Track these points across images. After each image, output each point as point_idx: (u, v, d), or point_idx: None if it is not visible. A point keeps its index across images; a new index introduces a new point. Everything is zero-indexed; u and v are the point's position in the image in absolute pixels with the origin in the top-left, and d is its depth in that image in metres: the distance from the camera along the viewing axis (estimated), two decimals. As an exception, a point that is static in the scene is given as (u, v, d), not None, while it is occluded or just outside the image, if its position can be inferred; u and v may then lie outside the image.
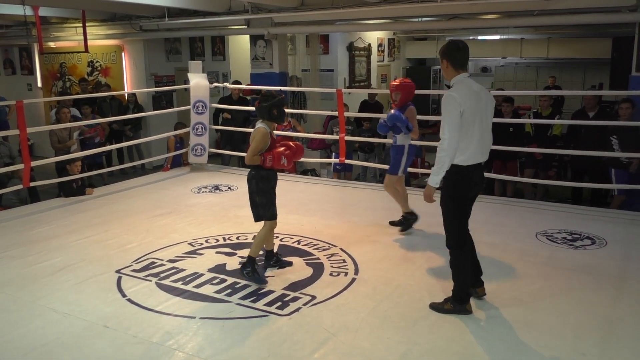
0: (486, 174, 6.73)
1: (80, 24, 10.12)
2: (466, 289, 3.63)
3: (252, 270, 4.18)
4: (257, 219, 4.31)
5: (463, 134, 3.41)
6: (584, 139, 6.93)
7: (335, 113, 7.85)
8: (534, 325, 3.52)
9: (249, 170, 4.31)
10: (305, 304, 3.81)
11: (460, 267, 3.62)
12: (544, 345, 3.29)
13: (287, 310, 3.72)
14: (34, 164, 6.40)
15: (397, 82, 5.31)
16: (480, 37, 15.38)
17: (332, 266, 4.49)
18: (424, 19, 9.22)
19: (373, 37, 13.76)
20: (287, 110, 8.40)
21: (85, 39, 10.03)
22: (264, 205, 4.24)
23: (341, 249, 4.86)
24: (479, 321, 3.58)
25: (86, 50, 10.32)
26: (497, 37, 14.59)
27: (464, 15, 8.45)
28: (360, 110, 9.84)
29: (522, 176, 7.42)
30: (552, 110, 7.60)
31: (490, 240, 5.05)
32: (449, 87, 3.61)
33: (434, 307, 3.69)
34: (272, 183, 4.30)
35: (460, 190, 3.54)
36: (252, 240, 4.38)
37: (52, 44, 12.10)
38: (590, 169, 7.02)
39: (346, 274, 4.33)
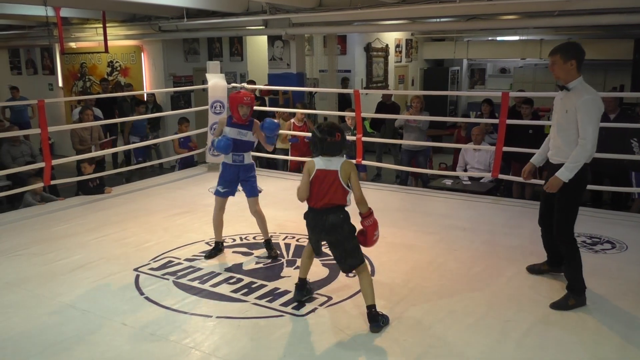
0: (504, 176, 6.71)
1: (101, 25, 10.26)
2: (582, 279, 3.75)
3: (382, 320, 3.50)
4: (348, 269, 3.65)
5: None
6: (604, 141, 6.80)
7: (350, 114, 7.84)
8: (553, 329, 3.47)
9: (336, 212, 3.58)
10: (321, 305, 3.81)
11: (576, 259, 3.75)
12: (563, 351, 3.25)
13: (303, 311, 3.72)
14: (54, 162, 6.49)
15: (251, 96, 4.70)
16: (499, 38, 15.26)
17: (348, 267, 4.48)
18: (442, 19, 9.18)
19: (391, 38, 13.73)
20: (303, 111, 8.52)
21: (106, 40, 10.16)
22: (353, 251, 3.57)
23: (357, 250, 4.84)
24: (494, 325, 3.54)
25: (106, 51, 10.46)
26: (516, 38, 14.46)
27: (482, 16, 8.40)
28: (376, 112, 9.83)
29: (541, 179, 7.33)
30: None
31: (509, 243, 5.00)
32: (563, 87, 3.66)
33: (558, 305, 3.71)
34: None
35: (583, 188, 3.80)
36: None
37: (73, 45, 12.29)
38: (610, 171, 6.92)
39: (362, 275, 4.32)
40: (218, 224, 4.81)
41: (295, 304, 3.82)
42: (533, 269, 4.26)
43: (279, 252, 4.81)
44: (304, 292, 3.87)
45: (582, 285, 3.76)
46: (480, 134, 7.35)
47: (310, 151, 8.68)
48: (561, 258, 3.94)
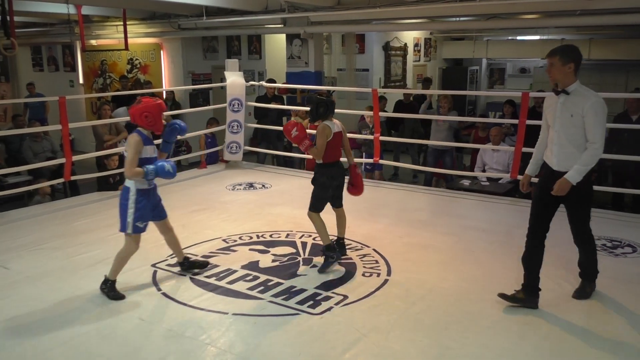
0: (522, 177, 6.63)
1: (121, 23, 10.35)
2: (597, 267, 3.91)
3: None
4: (341, 204, 4.73)
5: None
6: (626, 143, 6.73)
7: (369, 113, 7.83)
8: (571, 334, 3.44)
9: (340, 163, 4.63)
10: (337, 304, 3.81)
11: (594, 254, 3.89)
12: (581, 355, 3.21)
13: (318, 309, 3.73)
14: (74, 158, 6.57)
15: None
16: (519, 37, 15.09)
17: (364, 267, 4.48)
18: (461, 18, 9.11)
19: (409, 37, 13.66)
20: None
21: (126, 37, 10.25)
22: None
23: (374, 250, 4.85)
24: (513, 328, 3.52)
25: (126, 48, 10.56)
26: (536, 37, 14.29)
27: (502, 15, 8.33)
28: (395, 111, 9.79)
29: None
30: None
31: (526, 245, 4.94)
32: (560, 91, 3.59)
33: (579, 295, 3.90)
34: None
35: (590, 190, 3.78)
36: (285, 239, 4.40)
37: (93, 42, 12.42)
38: (632, 174, 6.81)
39: (378, 274, 4.32)
40: (126, 263, 4.05)
41: (311, 302, 3.83)
42: (505, 297, 3.79)
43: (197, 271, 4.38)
44: (334, 254, 4.44)
45: (596, 269, 3.94)
46: (499, 135, 7.28)
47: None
48: (537, 285, 3.80)
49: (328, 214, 4.61)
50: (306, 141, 4.39)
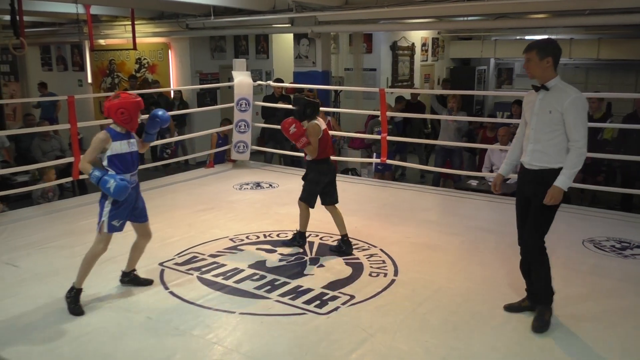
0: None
1: (129, 22, 10.40)
2: (552, 287, 3.58)
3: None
4: (336, 201, 4.89)
5: None
6: (635, 143, 6.69)
7: (377, 112, 7.82)
8: (578, 336, 3.41)
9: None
10: (343, 304, 3.81)
11: (547, 269, 3.54)
12: (588, 356, 3.20)
13: (325, 309, 3.73)
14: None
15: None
16: (527, 37, 15.00)
17: (371, 266, 4.48)
18: (469, 18, 9.08)
19: (417, 37, 13.63)
20: (326, 109, 8.53)
21: (134, 37, 10.30)
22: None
23: (381, 250, 4.84)
24: (520, 329, 3.50)
25: (134, 48, 10.61)
26: (545, 37, 14.21)
27: (511, 15, 8.29)
28: (402, 111, 9.77)
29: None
30: (603, 113, 7.36)
31: (534, 246, 4.92)
32: (540, 87, 3.41)
33: (539, 326, 3.44)
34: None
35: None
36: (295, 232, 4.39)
37: (102, 42, 12.48)
38: (641, 174, 6.77)
39: (385, 274, 4.31)
40: (92, 267, 3.89)
41: (317, 302, 3.83)
42: (512, 308, 3.72)
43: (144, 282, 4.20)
44: (302, 241, 4.86)
45: (552, 290, 3.55)
46: (507, 135, 7.25)
47: (334, 148, 8.70)
48: None
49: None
50: (303, 138, 4.55)
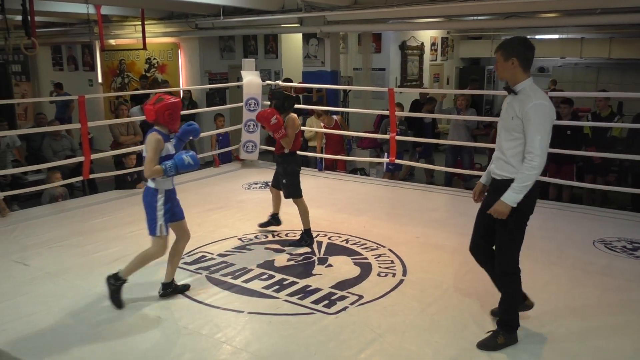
0: (541, 178, 6.56)
1: (139, 22, 10.45)
2: (517, 314, 3.31)
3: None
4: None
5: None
6: (647, 143, 6.62)
7: (387, 112, 7.79)
8: (589, 338, 3.39)
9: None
10: (352, 304, 3.81)
11: (515, 292, 3.29)
12: (599, 358, 3.17)
13: (334, 309, 3.73)
14: (93, 156, 6.64)
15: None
16: (537, 36, 14.93)
17: (380, 266, 4.47)
18: (479, 17, 9.03)
19: (426, 36, 13.59)
20: (335, 109, 8.53)
21: (144, 37, 10.35)
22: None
23: (389, 250, 4.83)
24: (530, 330, 3.47)
25: (144, 48, 10.65)
26: (555, 36, 14.13)
27: (521, 14, 8.24)
28: (411, 110, 9.74)
29: (583, 182, 7.12)
30: (611, 111, 7.31)
31: (545, 246, 4.90)
32: (511, 91, 3.16)
33: (485, 346, 3.25)
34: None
35: (530, 209, 3.20)
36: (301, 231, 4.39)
37: (112, 42, 12.55)
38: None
39: (394, 274, 4.30)
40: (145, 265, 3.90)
41: (326, 301, 3.83)
42: (494, 313, 3.56)
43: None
44: (310, 240, 4.96)
45: (516, 321, 3.29)
46: (517, 135, 7.21)
47: (343, 149, 8.71)
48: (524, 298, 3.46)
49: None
50: (282, 130, 4.75)
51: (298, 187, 4.99)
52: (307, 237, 4.97)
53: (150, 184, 3.75)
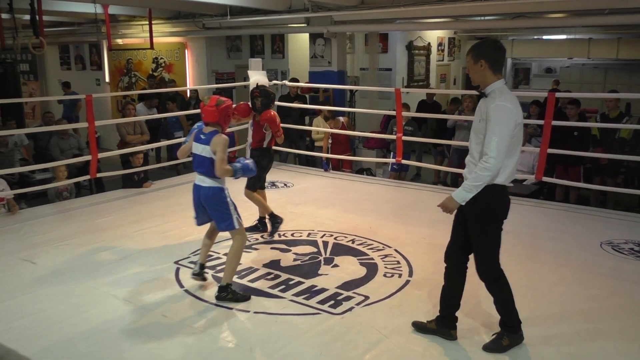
0: (548, 179, 6.54)
1: (147, 22, 10.49)
2: (516, 313, 3.26)
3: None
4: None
5: (510, 150, 3.02)
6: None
7: (394, 112, 7.78)
8: (596, 340, 3.37)
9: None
10: (358, 304, 3.80)
11: (507, 296, 3.25)
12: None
13: (339, 309, 3.72)
14: (100, 155, 6.67)
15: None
16: (545, 37, 14.89)
17: (386, 267, 4.46)
18: (486, 17, 9.00)
19: (433, 36, 13.55)
20: (341, 109, 8.52)
21: (151, 36, 10.39)
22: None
23: (395, 250, 4.82)
24: (536, 333, 3.46)
25: (151, 47, 10.69)
26: (563, 36, 14.06)
27: (529, 14, 8.21)
28: (417, 110, 9.73)
29: (591, 184, 7.07)
30: (620, 112, 7.26)
31: (552, 248, 4.88)
32: (481, 94, 3.13)
33: (491, 348, 3.24)
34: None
35: (503, 214, 3.15)
36: (307, 238, 4.40)
37: (119, 41, 12.60)
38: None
39: (400, 275, 4.29)
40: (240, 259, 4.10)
41: (332, 302, 3.82)
42: (418, 326, 3.49)
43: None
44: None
45: (517, 320, 3.26)
46: (524, 136, 7.19)
47: (349, 149, 8.71)
48: (453, 319, 3.39)
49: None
50: (280, 129, 5.13)
51: (259, 181, 5.13)
52: (276, 218, 5.23)
53: (214, 183, 3.88)
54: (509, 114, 2.97)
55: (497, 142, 2.95)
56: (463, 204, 3.10)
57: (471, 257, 3.29)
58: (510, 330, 3.26)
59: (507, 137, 2.97)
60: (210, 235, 4.20)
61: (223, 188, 3.92)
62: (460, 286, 3.35)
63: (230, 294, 3.85)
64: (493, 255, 3.18)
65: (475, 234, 3.17)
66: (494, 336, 3.30)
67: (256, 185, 5.18)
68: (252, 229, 5.25)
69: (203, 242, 4.19)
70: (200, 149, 3.87)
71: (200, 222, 4.11)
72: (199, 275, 4.12)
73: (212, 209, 3.91)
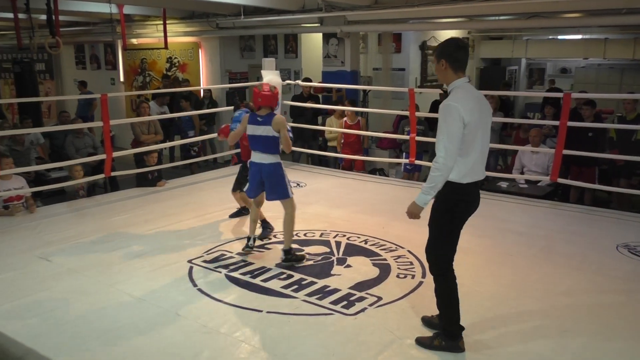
0: (564, 180, 6.47)
1: (161, 22, 10.54)
2: (456, 321, 3.21)
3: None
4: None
5: (463, 148, 3.01)
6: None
7: (406, 113, 7.76)
8: (612, 344, 3.33)
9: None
10: (371, 305, 3.79)
11: (446, 296, 3.23)
12: (623, 364, 3.13)
13: (352, 310, 3.72)
14: (115, 154, 6.72)
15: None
16: (560, 37, 14.73)
17: (399, 268, 4.45)
18: (501, 17, 8.94)
19: (447, 36, 13.47)
20: (354, 109, 8.51)
21: (165, 36, 10.43)
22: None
23: (409, 251, 4.80)
24: (551, 335, 3.43)
25: (166, 47, 10.73)
26: (578, 36, 13.91)
27: (544, 14, 8.13)
28: (430, 111, 9.68)
29: (608, 185, 6.97)
30: (637, 113, 7.17)
31: (567, 250, 4.83)
32: (445, 92, 3.16)
33: (421, 342, 3.26)
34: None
35: (456, 212, 3.14)
36: (319, 238, 4.41)
37: (134, 41, 12.67)
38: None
39: (413, 276, 4.28)
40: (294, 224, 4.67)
41: (345, 302, 3.82)
42: (425, 320, 3.56)
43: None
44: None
45: (456, 329, 3.21)
46: (538, 136, 7.13)
47: (361, 149, 8.70)
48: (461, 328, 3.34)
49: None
50: None
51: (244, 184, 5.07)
52: (267, 225, 5.24)
53: (275, 159, 4.45)
54: (454, 113, 2.97)
55: (444, 141, 2.98)
56: (424, 207, 3.13)
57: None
58: (447, 334, 3.23)
59: (455, 136, 2.97)
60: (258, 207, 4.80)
61: (280, 163, 4.49)
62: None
63: (293, 255, 4.42)
64: (442, 251, 3.21)
65: (430, 227, 3.23)
66: (433, 334, 3.30)
67: (243, 187, 5.16)
68: (264, 234, 5.16)
69: (252, 219, 4.75)
70: (261, 130, 4.40)
71: (254, 194, 4.63)
72: (251, 248, 4.69)
73: (272, 182, 4.44)
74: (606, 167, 7.20)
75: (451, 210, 3.14)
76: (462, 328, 3.24)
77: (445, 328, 3.25)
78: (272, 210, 5.16)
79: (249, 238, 4.76)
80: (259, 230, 5.05)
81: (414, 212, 3.20)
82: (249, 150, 4.65)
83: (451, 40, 3.20)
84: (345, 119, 8.53)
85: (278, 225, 5.12)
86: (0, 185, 5.68)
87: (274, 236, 5.21)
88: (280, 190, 4.45)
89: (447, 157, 2.97)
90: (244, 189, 4.85)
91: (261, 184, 4.53)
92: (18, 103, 10.19)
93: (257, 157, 4.48)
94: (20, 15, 8.67)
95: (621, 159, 6.52)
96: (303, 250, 4.73)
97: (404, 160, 8.04)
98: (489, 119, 3.22)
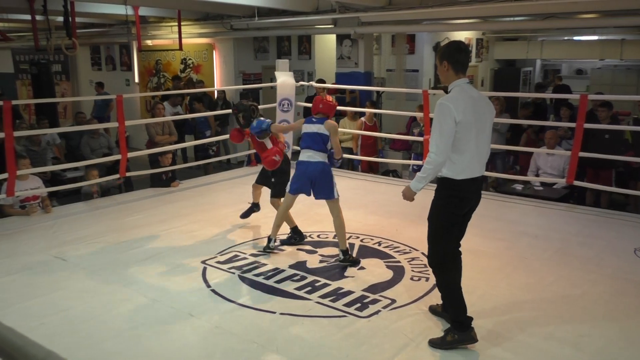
0: (580, 183, 6.40)
1: (176, 23, 10.60)
2: (463, 311, 3.27)
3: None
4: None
5: (457, 145, 3.16)
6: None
7: (418, 114, 7.73)
8: (629, 349, 3.29)
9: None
10: (384, 307, 3.78)
11: (445, 286, 3.35)
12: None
13: (366, 312, 3.70)
14: (130, 155, 6.76)
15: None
16: (575, 38, 14.59)
17: (412, 270, 4.43)
18: (516, 18, 8.87)
19: (461, 37, 13.37)
20: (372, 110, 8.50)
21: (180, 37, 10.50)
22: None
23: (422, 253, 4.77)
24: (567, 339, 3.39)
25: (180, 48, 10.80)
26: (594, 37, 13.77)
27: (560, 15, 8.06)
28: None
29: (624, 188, 6.89)
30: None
31: (583, 253, 4.77)
32: (446, 91, 3.29)
33: (435, 343, 3.29)
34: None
35: (451, 207, 3.28)
36: (333, 239, 4.40)
37: (149, 42, 12.76)
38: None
39: (427, 279, 4.25)
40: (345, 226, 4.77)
41: (358, 304, 3.81)
42: (431, 309, 3.72)
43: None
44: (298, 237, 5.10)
45: (465, 320, 3.27)
46: (554, 138, 7.06)
47: (377, 150, 8.68)
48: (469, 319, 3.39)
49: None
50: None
51: (284, 186, 5.01)
52: (295, 234, 5.08)
53: (321, 158, 4.64)
54: (446, 112, 3.12)
55: (437, 138, 3.15)
56: (417, 192, 3.38)
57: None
58: (456, 327, 3.29)
59: (446, 134, 3.13)
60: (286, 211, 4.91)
61: (328, 164, 4.68)
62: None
63: (350, 256, 4.56)
64: (439, 244, 3.35)
65: (428, 221, 3.42)
66: (445, 331, 3.35)
67: (282, 192, 5.08)
68: (288, 240, 5.05)
69: (276, 223, 4.84)
70: (315, 128, 4.66)
71: (295, 192, 4.75)
72: (272, 249, 4.81)
73: (321, 181, 4.59)
74: (622, 169, 7.11)
75: (446, 205, 3.31)
76: (471, 318, 3.30)
77: (454, 319, 3.32)
78: (272, 211, 5.15)
79: (269, 239, 4.83)
80: (282, 235, 5.02)
81: (407, 195, 3.44)
82: (260, 156, 4.91)
83: (453, 43, 3.34)
84: (363, 118, 8.52)
85: (266, 229, 5.16)
86: (17, 186, 5.74)
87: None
88: (326, 191, 4.61)
89: (438, 152, 3.15)
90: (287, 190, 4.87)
91: (305, 184, 4.66)
92: (35, 104, 10.30)
93: (305, 155, 4.67)
94: (38, 17, 8.78)
95: (638, 161, 6.43)
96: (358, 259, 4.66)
97: (412, 162, 8.02)
98: (488, 119, 3.34)
